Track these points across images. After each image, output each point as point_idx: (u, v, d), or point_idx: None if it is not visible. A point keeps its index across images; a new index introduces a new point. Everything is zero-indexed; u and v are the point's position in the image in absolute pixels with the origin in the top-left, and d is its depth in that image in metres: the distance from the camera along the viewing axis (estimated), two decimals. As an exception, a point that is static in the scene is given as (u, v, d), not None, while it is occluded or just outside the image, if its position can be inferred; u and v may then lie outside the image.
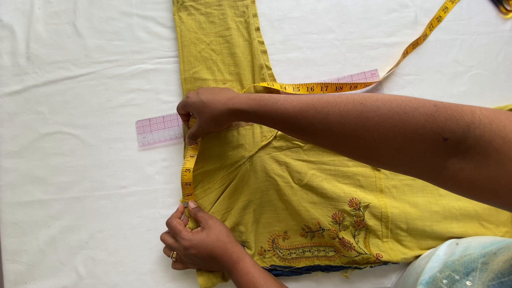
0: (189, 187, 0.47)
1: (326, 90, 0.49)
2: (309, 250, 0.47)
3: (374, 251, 0.46)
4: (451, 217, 0.47)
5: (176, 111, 0.48)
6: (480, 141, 0.24)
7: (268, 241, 0.48)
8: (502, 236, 0.47)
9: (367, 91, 0.51)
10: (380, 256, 0.45)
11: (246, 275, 0.40)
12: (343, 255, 0.46)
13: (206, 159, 0.49)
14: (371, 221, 0.47)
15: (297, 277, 0.48)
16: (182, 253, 0.42)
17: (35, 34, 0.53)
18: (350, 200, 0.47)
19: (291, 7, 0.53)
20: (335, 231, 0.46)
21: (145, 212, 0.49)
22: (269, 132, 0.49)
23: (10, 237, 0.49)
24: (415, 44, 0.52)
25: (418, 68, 0.52)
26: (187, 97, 0.43)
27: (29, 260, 0.49)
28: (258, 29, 0.52)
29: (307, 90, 0.49)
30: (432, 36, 0.53)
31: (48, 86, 0.52)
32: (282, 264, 0.47)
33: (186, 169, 0.46)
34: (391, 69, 0.51)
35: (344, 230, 0.47)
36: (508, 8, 0.53)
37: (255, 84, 0.49)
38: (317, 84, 0.49)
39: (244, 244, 0.48)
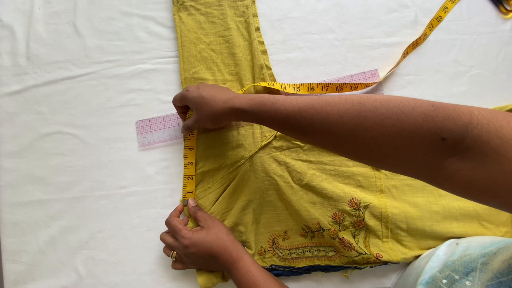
0: (190, 182, 0.47)
1: (326, 90, 0.49)
2: (309, 250, 0.47)
3: (374, 251, 0.46)
4: (451, 217, 0.47)
5: (176, 112, 0.48)
6: (478, 141, 0.24)
7: (268, 241, 0.48)
8: (502, 236, 0.47)
9: (368, 92, 0.51)
10: (380, 256, 0.45)
11: (246, 274, 0.40)
12: (343, 255, 0.46)
13: (206, 159, 0.49)
14: (371, 221, 0.47)
15: (297, 277, 0.48)
16: (182, 252, 0.42)
17: (35, 34, 0.53)
18: (350, 200, 0.47)
19: (291, 7, 0.53)
20: (335, 231, 0.46)
21: (145, 212, 0.49)
22: (269, 132, 0.49)
23: (10, 237, 0.49)
24: (415, 44, 0.52)
25: (418, 68, 0.52)
26: (187, 90, 0.43)
27: (29, 260, 0.49)
28: (258, 29, 0.52)
29: (308, 90, 0.49)
30: (432, 36, 0.53)
31: (48, 86, 0.52)
32: (282, 264, 0.47)
33: (189, 162, 0.47)
34: (391, 69, 0.51)
35: (344, 230, 0.47)
36: (508, 8, 0.53)
37: (255, 84, 0.49)
38: (318, 84, 0.49)
39: (244, 244, 0.48)
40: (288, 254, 0.47)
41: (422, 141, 0.26)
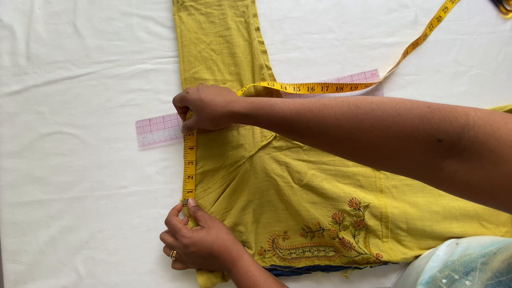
0: (191, 181, 0.48)
1: (326, 90, 0.49)
2: (309, 250, 0.47)
3: (374, 251, 0.46)
4: (451, 217, 0.47)
5: (176, 111, 0.49)
6: (475, 143, 0.24)
7: (268, 241, 0.48)
8: (502, 236, 0.47)
9: (368, 92, 0.51)
10: (380, 256, 0.45)
11: (246, 273, 0.40)
12: (343, 255, 0.46)
13: (206, 159, 0.49)
14: (371, 221, 0.47)
15: (297, 277, 0.48)
16: (182, 251, 0.42)
17: (35, 34, 0.53)
18: (350, 200, 0.47)
19: (291, 7, 0.53)
20: (335, 231, 0.46)
21: (145, 212, 0.49)
22: (269, 132, 0.49)
23: (10, 237, 0.49)
24: (415, 44, 0.52)
25: (418, 68, 0.52)
26: (187, 92, 0.43)
27: (29, 260, 0.49)
28: (258, 29, 0.52)
29: (308, 90, 0.49)
30: (432, 36, 0.53)
31: (48, 86, 0.52)
32: (282, 264, 0.47)
33: (189, 162, 0.48)
34: (391, 69, 0.51)
35: (344, 230, 0.47)
36: (508, 8, 0.53)
37: (255, 84, 0.49)
38: (318, 84, 0.49)
39: (244, 244, 0.48)
40: (288, 254, 0.47)
41: (419, 143, 0.26)
